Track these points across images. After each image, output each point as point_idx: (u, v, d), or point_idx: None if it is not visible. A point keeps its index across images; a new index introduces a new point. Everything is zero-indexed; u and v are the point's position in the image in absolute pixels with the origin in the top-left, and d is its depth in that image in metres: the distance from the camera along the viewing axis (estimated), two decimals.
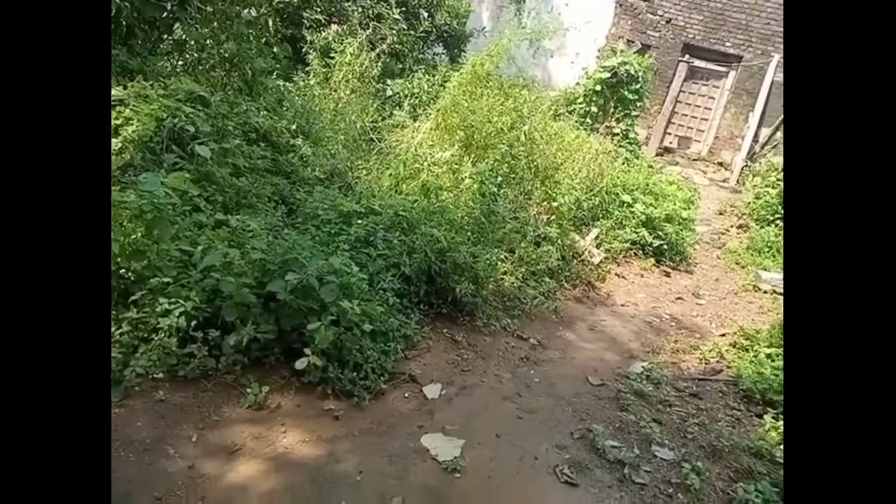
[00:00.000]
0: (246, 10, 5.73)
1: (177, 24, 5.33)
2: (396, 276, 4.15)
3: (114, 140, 3.94)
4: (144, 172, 3.81)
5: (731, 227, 8.72)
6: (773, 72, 11.39)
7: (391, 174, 5.28)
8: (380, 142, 6.33)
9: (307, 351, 3.26)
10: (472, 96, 5.92)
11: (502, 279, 4.98)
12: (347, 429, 3.20)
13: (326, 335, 3.26)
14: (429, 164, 5.22)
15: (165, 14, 5.15)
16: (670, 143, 12.69)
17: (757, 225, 8.43)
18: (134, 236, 3.29)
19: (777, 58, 11.40)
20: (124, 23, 4.97)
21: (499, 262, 4.94)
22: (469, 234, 4.84)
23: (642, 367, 4.51)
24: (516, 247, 5.24)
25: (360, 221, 4.39)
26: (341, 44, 7.41)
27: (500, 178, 5.30)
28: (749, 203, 9.10)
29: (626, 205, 7.10)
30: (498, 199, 5.17)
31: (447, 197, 5.07)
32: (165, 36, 5.33)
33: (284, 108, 5.78)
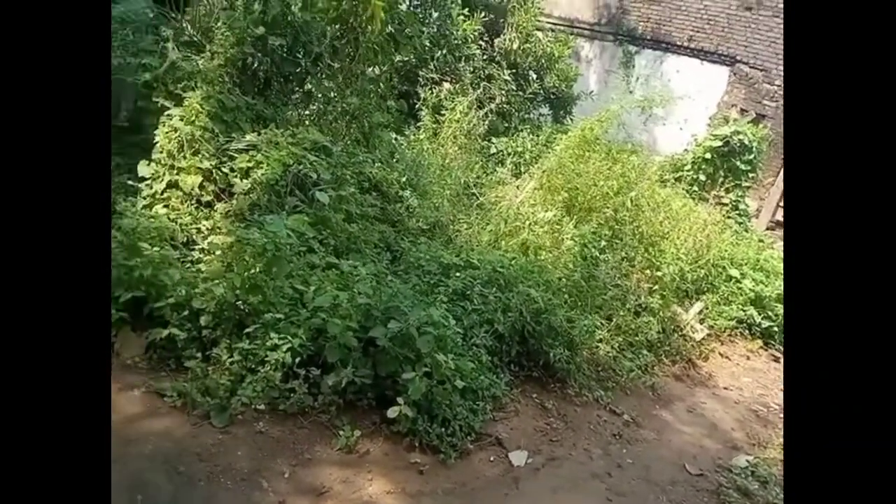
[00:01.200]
0: (370, 69, 6.15)
1: (308, 79, 5.82)
2: (489, 333, 4.12)
3: (244, 181, 4.31)
4: (269, 213, 4.12)
5: None
6: None
7: (491, 230, 5.35)
8: (481, 197, 6.46)
9: (399, 400, 3.29)
10: (579, 159, 5.93)
11: (597, 347, 4.80)
12: (432, 485, 3.15)
13: (419, 386, 3.28)
14: (530, 223, 5.23)
15: (299, 69, 5.65)
16: (784, 217, 11.91)
17: None
18: (253, 271, 3.53)
19: None
20: (262, 75, 5.50)
21: (595, 329, 4.78)
22: (566, 297, 4.74)
23: (747, 460, 4.12)
24: (614, 314, 5.06)
25: (458, 274, 4.45)
26: (452, 101, 7.75)
27: (602, 243, 5.20)
28: None
29: (733, 280, 6.68)
30: (599, 263, 5.06)
31: (546, 257, 5.03)
32: (297, 88, 5.82)
33: (395, 161, 6.07)
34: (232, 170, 4.30)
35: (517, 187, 6.25)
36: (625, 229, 5.53)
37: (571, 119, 9.82)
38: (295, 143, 4.58)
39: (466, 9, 8.95)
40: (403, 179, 5.66)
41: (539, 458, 3.64)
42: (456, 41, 8.62)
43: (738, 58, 11.87)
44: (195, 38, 5.14)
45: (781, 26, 11.49)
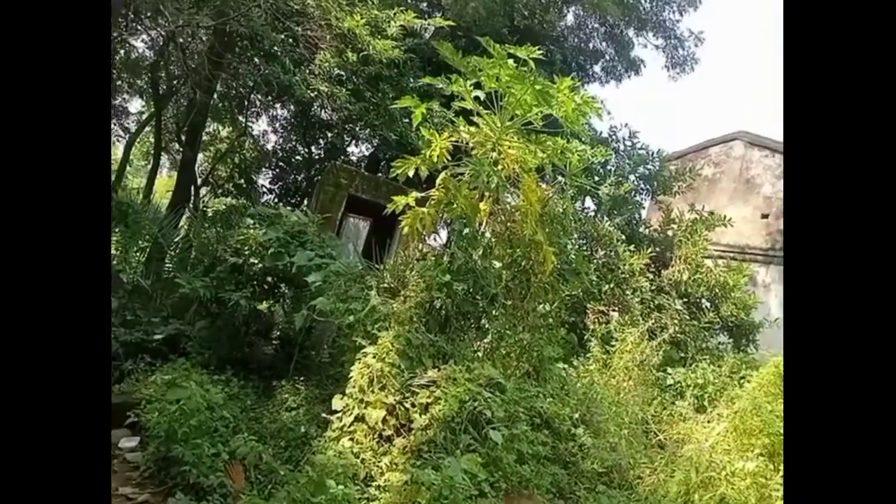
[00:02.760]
0: (540, 305, 6.49)
1: (483, 316, 6.27)
2: None
3: (423, 417, 4.49)
4: (443, 450, 4.17)
5: None
6: None
7: (680, 479, 4.73)
8: (661, 434, 5.89)
9: None
10: (777, 398, 5.27)
11: None
12: None
13: None
14: (727, 474, 4.55)
15: (476, 308, 6.15)
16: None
17: None
18: None
19: None
20: (444, 313, 6.06)
21: None
22: None
23: None
24: None
25: None
26: (622, 332, 7.66)
27: None
28: None
29: None
30: None
31: None
32: (473, 325, 6.27)
33: (566, 394, 5.95)
34: (413, 405, 4.54)
35: (704, 426, 5.62)
36: None
37: (756, 347, 9.01)
38: (471, 379, 4.77)
39: (632, 245, 9.35)
40: (576, 416, 5.46)
41: None
42: (623, 275, 8.86)
43: None
44: (392, 285, 5.98)
45: None
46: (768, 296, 12.28)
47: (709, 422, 5.94)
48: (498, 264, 6.27)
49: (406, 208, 6.00)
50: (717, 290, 8.87)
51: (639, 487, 4.85)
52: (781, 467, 4.81)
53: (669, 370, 7.82)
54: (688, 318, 8.51)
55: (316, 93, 10.05)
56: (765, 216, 13.48)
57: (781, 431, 5.02)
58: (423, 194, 6.12)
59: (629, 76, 14.93)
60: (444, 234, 12.91)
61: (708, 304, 8.94)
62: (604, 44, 14.93)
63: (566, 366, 7.08)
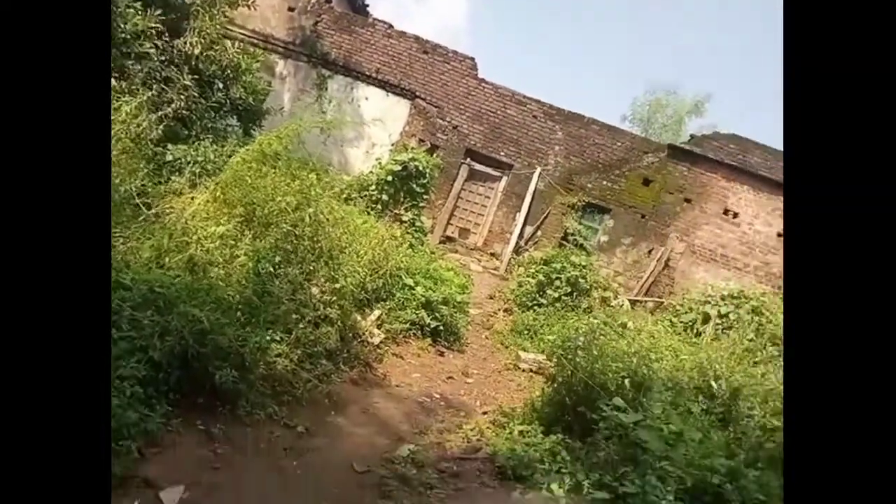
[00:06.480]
0: None
1: None
2: (142, 362, 3.70)
3: None
4: None
5: (499, 310, 9.71)
6: (536, 181, 13.44)
7: (153, 245, 4.83)
8: (147, 208, 5.80)
9: None
10: (258, 174, 5.83)
11: (275, 363, 4.75)
12: None
13: None
14: (199, 238, 4.90)
15: None
16: (452, 233, 13.94)
17: (519, 309, 9.53)
18: None
19: (539, 170, 13.51)
20: None
21: (272, 345, 4.72)
22: (239, 314, 4.58)
23: (409, 449, 4.59)
24: (294, 328, 5.10)
25: None
26: (118, 101, 6.80)
27: (279, 258, 5.19)
28: (513, 290, 10.28)
29: (408, 287, 7.47)
30: (275, 278, 5.04)
31: (218, 274, 4.78)
32: None
33: None
34: None
35: (190, 200, 5.80)
36: (304, 244, 5.65)
37: (261, 132, 9.67)
38: None
39: (139, 2, 8.01)
40: None
41: (198, 490, 3.39)
42: (124, 34, 7.62)
43: (418, 93, 13.46)
44: None
45: (452, 70, 13.46)
46: (283, 87, 13.09)
47: (194, 197, 6.14)
48: None
49: None
50: (229, 72, 8.79)
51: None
52: (252, 231, 5.51)
53: (171, 146, 7.57)
54: (197, 95, 8.22)
55: None
56: (291, 9, 13.74)
57: (255, 201, 5.67)
58: None
59: None
60: None
61: (220, 84, 8.83)
62: None
63: None
